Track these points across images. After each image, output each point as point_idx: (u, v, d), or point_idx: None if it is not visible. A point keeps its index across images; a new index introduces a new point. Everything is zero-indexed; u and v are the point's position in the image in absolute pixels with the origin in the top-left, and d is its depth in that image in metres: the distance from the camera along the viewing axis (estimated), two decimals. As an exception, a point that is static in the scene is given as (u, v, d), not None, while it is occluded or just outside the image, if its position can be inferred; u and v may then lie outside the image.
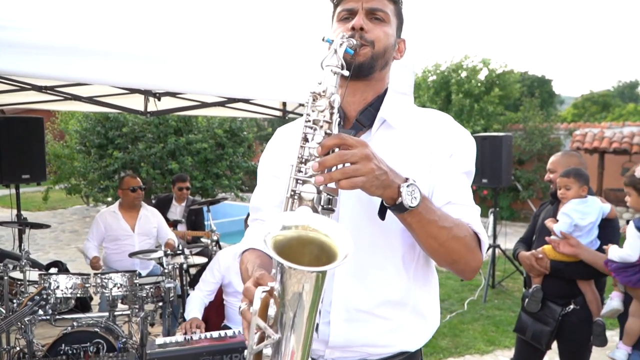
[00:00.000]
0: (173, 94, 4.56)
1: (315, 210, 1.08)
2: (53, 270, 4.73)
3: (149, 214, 4.84)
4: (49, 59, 2.63)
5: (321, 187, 1.08)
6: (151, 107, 5.12)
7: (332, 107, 1.12)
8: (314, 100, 1.14)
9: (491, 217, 6.87)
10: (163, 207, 5.79)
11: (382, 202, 1.18)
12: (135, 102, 5.07)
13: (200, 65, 3.02)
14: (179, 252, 3.89)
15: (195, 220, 5.86)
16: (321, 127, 1.12)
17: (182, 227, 5.73)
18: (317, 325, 1.25)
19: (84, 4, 2.90)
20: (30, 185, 5.49)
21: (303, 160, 1.11)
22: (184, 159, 9.83)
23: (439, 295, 4.78)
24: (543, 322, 2.89)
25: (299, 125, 1.32)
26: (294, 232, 1.05)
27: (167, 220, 5.62)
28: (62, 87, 4.31)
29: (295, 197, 1.10)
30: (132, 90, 4.56)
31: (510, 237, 8.66)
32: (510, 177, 6.66)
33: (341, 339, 1.32)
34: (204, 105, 5.07)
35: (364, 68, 1.31)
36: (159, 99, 3.87)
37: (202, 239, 5.62)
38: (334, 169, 1.07)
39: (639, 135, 10.41)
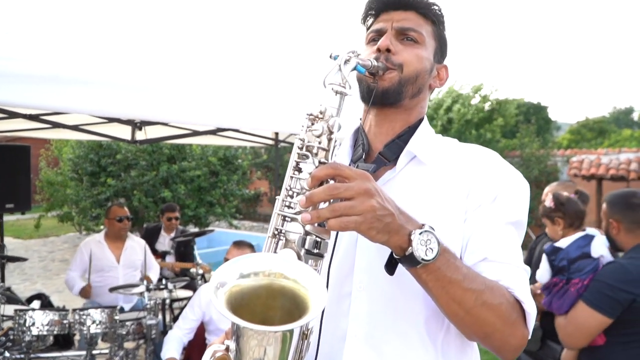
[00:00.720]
0: (163, 123, 4.47)
1: (299, 256, 0.91)
2: (35, 303, 4.57)
3: (135, 245, 4.68)
4: (30, 88, 2.54)
5: (308, 227, 0.90)
6: (140, 135, 5.03)
7: (330, 132, 0.95)
8: (311, 123, 0.96)
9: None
10: (151, 237, 5.64)
11: (391, 253, 0.97)
12: (123, 131, 4.97)
13: (188, 95, 2.94)
14: (162, 286, 3.73)
15: (184, 251, 5.70)
16: (315, 154, 0.94)
17: (170, 259, 5.58)
18: None
19: (66, 33, 2.82)
20: (16, 213, 5.35)
21: (292, 193, 0.94)
22: (177, 187, 9.71)
23: None
24: (543, 362, 2.74)
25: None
26: (260, 280, 0.87)
27: (155, 251, 5.47)
28: (48, 115, 4.21)
29: (280, 236, 0.93)
30: (120, 119, 4.47)
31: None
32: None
33: None
34: (195, 133, 4.97)
35: (389, 94, 1.14)
36: (140, 129, 3.76)
37: (192, 271, 5.46)
38: (325, 204, 0.89)
39: (636, 162, 10.36)
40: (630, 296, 2.16)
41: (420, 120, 1.23)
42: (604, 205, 2.40)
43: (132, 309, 4.30)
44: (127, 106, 2.84)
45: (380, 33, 1.18)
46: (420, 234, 0.92)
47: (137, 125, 3.66)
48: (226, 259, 3.20)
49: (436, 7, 1.21)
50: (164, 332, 3.87)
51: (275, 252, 0.93)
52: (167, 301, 3.78)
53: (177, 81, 2.95)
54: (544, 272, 2.61)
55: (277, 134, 5.61)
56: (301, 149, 0.95)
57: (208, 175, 10.37)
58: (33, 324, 3.45)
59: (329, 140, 0.95)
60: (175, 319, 4.19)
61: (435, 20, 1.22)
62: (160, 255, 5.47)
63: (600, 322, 2.21)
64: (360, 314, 1.09)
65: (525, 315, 1.04)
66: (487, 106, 14.29)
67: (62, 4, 3.16)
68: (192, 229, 8.56)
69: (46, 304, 4.78)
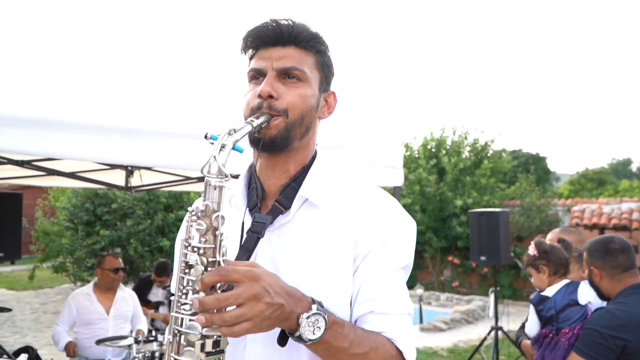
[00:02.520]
0: (157, 169, 4.42)
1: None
2: (23, 356, 4.36)
3: (126, 296, 4.52)
4: (17, 132, 2.48)
5: (203, 332, 0.91)
6: (135, 182, 4.96)
7: (215, 228, 0.94)
8: (195, 219, 0.95)
9: (492, 297, 6.55)
10: (145, 287, 5.49)
11: (281, 332, 1.02)
12: (118, 178, 4.92)
13: (179, 139, 2.88)
14: (152, 338, 3.56)
15: (178, 301, 5.53)
16: (202, 254, 0.93)
17: (164, 309, 5.40)
18: None
19: (56, 74, 2.79)
20: (5, 264, 5.19)
21: (185, 291, 0.94)
22: (174, 236, 9.60)
23: None
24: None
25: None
26: None
27: (148, 302, 5.30)
28: (41, 161, 4.16)
29: (181, 337, 0.92)
30: (113, 166, 4.41)
31: (513, 318, 8.25)
32: (509, 255, 6.41)
33: None
34: (189, 179, 4.91)
35: (277, 142, 1.12)
36: (132, 173, 3.70)
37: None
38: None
39: (638, 211, 10.33)
40: (621, 342, 2.09)
41: (314, 158, 1.22)
42: (585, 254, 2.35)
43: (121, 363, 4.11)
44: (121, 151, 2.77)
45: (260, 73, 1.14)
46: (307, 317, 0.96)
47: (128, 169, 3.59)
48: None
49: (318, 36, 1.17)
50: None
51: (179, 353, 0.93)
52: (157, 354, 3.59)
53: (170, 125, 2.90)
54: (532, 324, 2.55)
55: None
56: (187, 247, 0.94)
57: (205, 224, 10.30)
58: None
59: (214, 236, 0.94)
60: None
61: (318, 50, 1.18)
62: (153, 306, 5.30)
63: None
64: (255, 357, 1.11)
65: None
66: (474, 152, 14.42)
67: (57, 49, 3.16)
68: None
69: (34, 358, 4.57)
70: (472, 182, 13.31)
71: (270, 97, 1.10)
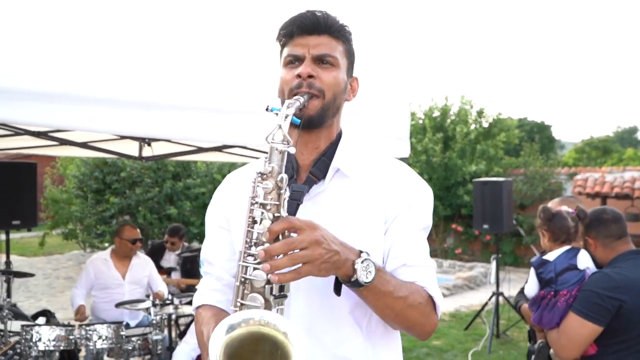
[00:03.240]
0: (171, 140, 4.52)
1: (267, 300, 1.04)
2: (41, 319, 4.57)
3: (141, 262, 4.70)
4: (40, 106, 2.59)
5: (270, 277, 1.03)
6: (147, 152, 5.07)
7: (279, 188, 1.07)
8: (261, 179, 1.08)
9: (493, 264, 6.71)
10: (157, 254, 5.65)
11: (336, 278, 1.15)
12: (130, 148, 5.02)
13: (195, 112, 2.98)
14: (168, 301, 3.74)
15: (190, 268, 5.70)
16: (269, 210, 1.07)
17: (176, 275, 5.59)
18: None
19: (76, 51, 2.87)
20: (22, 230, 5.34)
21: (252, 244, 1.07)
22: (183, 204, 9.76)
23: (441, 345, 4.52)
24: (551, 379, 2.72)
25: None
26: (245, 330, 1.00)
27: (160, 267, 5.47)
28: (56, 132, 4.26)
29: (246, 283, 1.06)
30: (124, 136, 4.52)
31: (514, 284, 8.43)
32: (511, 223, 6.54)
33: None
34: (201, 150, 5.02)
35: (314, 121, 1.26)
36: (149, 145, 3.81)
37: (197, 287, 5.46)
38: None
39: (640, 180, 10.36)
40: (617, 302, 2.22)
41: (340, 135, 1.36)
42: (581, 228, 2.47)
43: (138, 325, 4.31)
44: (136, 124, 2.88)
45: (297, 58, 1.27)
46: (361, 262, 1.11)
47: (145, 141, 3.70)
48: None
49: (346, 28, 1.31)
50: (170, 348, 3.86)
51: (243, 298, 1.05)
52: (173, 317, 3.78)
53: (184, 99, 3.00)
54: (532, 286, 2.67)
55: (284, 151, 5.66)
56: (254, 204, 1.08)
57: (213, 192, 10.43)
58: (39, 339, 3.46)
59: (279, 195, 1.07)
60: (181, 334, 4.18)
61: (345, 39, 1.32)
62: (165, 271, 5.48)
63: (591, 331, 2.25)
64: (299, 312, 1.25)
65: (435, 307, 1.27)
66: (484, 122, 14.35)
67: (74, 22, 3.22)
68: (197, 245, 8.58)
69: (51, 320, 4.78)
70: (482, 150, 13.35)
71: (310, 77, 1.24)
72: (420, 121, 14.88)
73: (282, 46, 1.32)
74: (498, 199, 6.30)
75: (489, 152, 13.24)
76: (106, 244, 10.97)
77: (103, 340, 3.51)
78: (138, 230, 4.79)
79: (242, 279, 1.06)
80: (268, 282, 1.04)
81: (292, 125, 1.18)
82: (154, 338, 3.59)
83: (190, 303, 4.48)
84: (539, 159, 13.05)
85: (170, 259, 5.68)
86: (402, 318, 1.20)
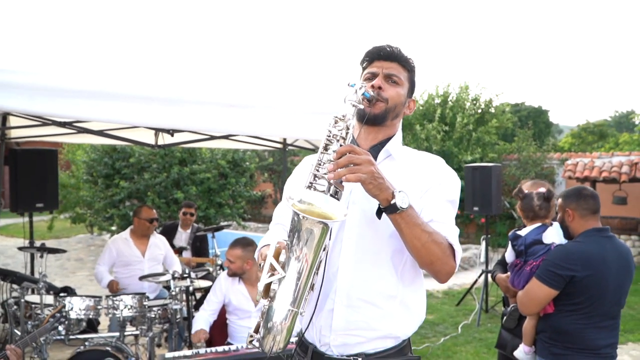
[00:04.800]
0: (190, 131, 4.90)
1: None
2: (63, 294, 5.00)
3: (158, 242, 5.12)
4: (77, 102, 2.98)
5: (331, 181, 1.40)
6: (161, 140, 5.47)
7: (347, 128, 1.48)
8: (335, 122, 1.49)
9: (483, 244, 7.13)
10: (169, 234, 6.06)
11: (378, 206, 1.49)
12: (146, 136, 5.41)
13: (208, 106, 3.38)
14: (185, 275, 4.16)
15: (199, 247, 6.13)
16: (337, 140, 1.46)
17: (187, 254, 5.99)
18: (324, 312, 1.62)
19: (112, 53, 3.26)
20: (35, 214, 5.70)
21: (322, 162, 1.45)
22: (189, 189, 10.15)
23: (434, 319, 5.04)
24: (520, 337, 3.15)
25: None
26: (307, 205, 1.40)
27: (173, 247, 5.90)
28: (79, 122, 4.65)
29: (312, 188, 1.43)
30: (153, 127, 4.89)
31: (504, 264, 8.87)
32: (500, 205, 6.95)
33: (342, 323, 1.62)
34: (211, 138, 5.41)
35: (377, 118, 1.67)
36: (172, 135, 4.22)
37: (206, 265, 5.89)
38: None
39: (627, 165, 10.73)
40: (570, 272, 2.60)
41: (396, 134, 1.78)
42: (560, 200, 2.86)
43: (156, 298, 4.74)
44: (162, 117, 3.29)
45: (374, 75, 1.71)
46: (399, 192, 1.45)
47: (169, 132, 4.10)
48: (228, 260, 3.63)
49: (411, 60, 1.76)
50: (186, 318, 4.28)
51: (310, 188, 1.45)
52: (191, 289, 4.20)
53: (203, 95, 3.40)
54: (509, 254, 3.09)
55: (285, 139, 6.06)
56: (329, 136, 1.48)
57: (217, 177, 10.82)
58: (72, 308, 3.89)
59: (347, 133, 1.48)
60: (196, 305, 4.62)
61: (410, 69, 1.76)
62: (177, 250, 5.89)
63: (547, 294, 2.65)
64: (349, 252, 1.64)
65: (455, 254, 1.59)
66: (477, 108, 14.60)
67: (99, 28, 3.60)
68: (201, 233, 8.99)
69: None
70: (477, 138, 13.68)
71: (380, 88, 1.66)
72: (421, 108, 15.15)
73: (365, 67, 1.74)
74: (487, 183, 6.71)
75: (484, 139, 13.57)
76: (113, 227, 11.39)
77: (128, 309, 3.94)
78: (154, 211, 5.20)
79: (310, 184, 1.43)
80: (329, 185, 1.40)
81: (359, 116, 1.61)
82: (173, 307, 4.02)
83: (203, 278, 4.93)
84: (532, 144, 13.42)
85: (181, 239, 6.10)
86: (426, 250, 1.51)
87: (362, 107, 1.53)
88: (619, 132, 38.86)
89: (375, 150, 1.71)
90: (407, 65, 1.74)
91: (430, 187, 1.66)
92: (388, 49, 1.71)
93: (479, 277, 7.17)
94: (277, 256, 1.41)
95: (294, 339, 1.59)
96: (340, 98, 1.53)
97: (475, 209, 6.90)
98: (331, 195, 1.41)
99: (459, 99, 14.56)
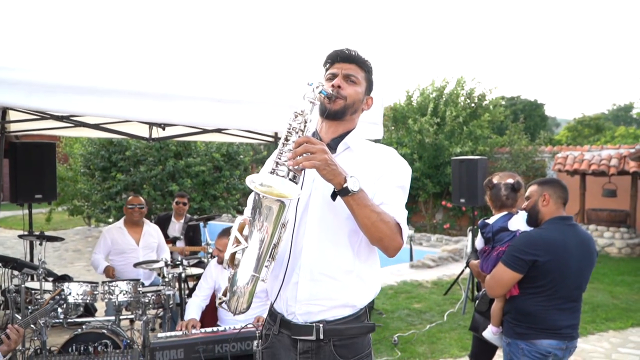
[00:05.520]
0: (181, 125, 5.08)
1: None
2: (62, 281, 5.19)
3: (151, 230, 5.31)
4: (72, 97, 3.16)
5: (290, 168, 1.60)
6: (155, 134, 5.64)
7: (305, 122, 1.69)
8: (295, 117, 1.69)
9: (470, 235, 7.34)
10: (163, 224, 6.24)
11: (334, 189, 1.68)
12: (141, 129, 5.58)
13: (200, 100, 3.56)
14: (178, 262, 4.35)
15: (192, 236, 6.32)
16: (297, 132, 1.66)
17: (180, 243, 6.19)
18: (290, 285, 1.83)
19: (106, 50, 3.43)
20: (34, 206, 5.85)
21: (283, 152, 1.65)
22: (184, 181, 10.35)
23: (421, 308, 5.27)
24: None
25: None
26: (267, 187, 1.60)
27: (167, 237, 6.09)
28: (77, 115, 4.82)
29: (274, 173, 1.64)
30: (146, 122, 5.07)
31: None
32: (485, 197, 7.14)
33: (306, 294, 1.83)
34: (204, 131, 5.59)
35: (337, 114, 1.87)
36: (164, 129, 4.39)
37: (200, 254, 6.09)
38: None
39: (616, 158, 10.93)
40: (532, 257, 2.78)
41: (354, 128, 1.97)
42: (535, 186, 3.01)
43: (150, 285, 4.93)
44: (152, 111, 3.47)
45: (334, 75, 1.91)
46: (351, 177, 1.64)
47: (161, 125, 4.28)
48: (217, 249, 3.82)
49: (368, 62, 1.96)
50: (179, 304, 4.48)
51: (273, 173, 1.65)
52: (183, 276, 4.40)
53: (190, 89, 3.57)
54: (479, 242, 3.30)
55: (276, 133, 6.23)
56: (289, 129, 1.69)
57: (212, 170, 11.02)
58: (70, 293, 4.08)
59: (305, 126, 1.69)
60: (190, 292, 4.82)
61: (367, 70, 1.96)
62: (171, 240, 6.09)
63: (512, 277, 2.83)
64: (312, 233, 1.84)
65: (401, 231, 1.79)
66: (470, 101, 14.76)
67: (96, 26, 3.77)
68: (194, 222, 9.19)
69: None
70: (468, 131, 13.86)
71: (339, 87, 1.86)
72: (415, 103, 15.32)
73: (327, 68, 1.94)
74: (473, 175, 6.90)
75: (475, 132, 13.75)
76: (110, 219, 11.58)
77: (124, 294, 4.14)
78: (141, 198, 5.39)
79: (272, 170, 1.65)
80: (288, 171, 1.61)
81: (321, 111, 1.84)
82: (167, 293, 4.22)
83: (195, 265, 5.13)
84: (524, 138, 13.61)
85: (175, 229, 6.29)
86: (375, 228, 1.71)
87: (318, 103, 1.73)
88: (616, 125, 39.07)
89: (336, 142, 1.91)
90: (364, 67, 1.93)
91: (382, 174, 1.86)
92: (347, 51, 1.91)
93: (466, 267, 7.38)
94: (241, 230, 1.64)
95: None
96: (301, 95, 1.73)
97: (462, 200, 7.10)
98: (290, 179, 1.61)
99: (453, 93, 14.72)
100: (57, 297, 3.28)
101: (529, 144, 13.57)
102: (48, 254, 11.15)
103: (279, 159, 1.65)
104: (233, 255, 1.62)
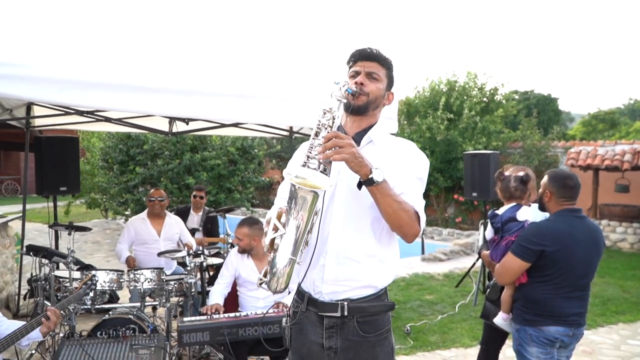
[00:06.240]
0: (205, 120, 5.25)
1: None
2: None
3: (172, 222, 5.51)
4: (101, 94, 3.34)
5: (321, 161, 1.74)
6: (175, 128, 5.83)
7: (333, 118, 1.82)
8: (323, 114, 1.83)
9: (481, 228, 7.44)
10: (181, 217, 6.40)
11: (359, 180, 1.83)
12: (161, 124, 5.77)
13: (221, 96, 3.73)
14: (199, 252, 4.52)
15: (210, 228, 6.51)
16: (326, 128, 1.80)
17: (199, 235, 6.37)
18: (317, 267, 1.98)
19: (132, 49, 3.60)
20: (42, 200, 6.04)
21: (313, 146, 1.78)
22: (200, 175, 10.55)
23: (433, 299, 5.45)
24: (501, 307, 3.48)
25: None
26: (302, 179, 1.74)
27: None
28: (103, 110, 5.01)
29: (305, 166, 1.78)
30: (172, 117, 5.26)
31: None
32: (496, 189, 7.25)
33: (332, 276, 1.99)
34: (221, 126, 5.76)
35: (360, 109, 2.01)
36: (188, 123, 4.56)
37: (218, 245, 6.27)
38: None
39: (630, 153, 10.91)
40: (539, 247, 2.91)
41: (376, 122, 2.11)
42: (545, 179, 3.12)
43: (172, 274, 5.12)
44: (175, 106, 3.64)
45: (357, 73, 2.04)
46: (375, 169, 1.78)
47: (184, 120, 4.45)
48: (237, 237, 3.99)
49: (389, 60, 2.10)
50: (200, 292, 4.65)
51: (304, 166, 1.77)
52: (204, 265, 4.57)
53: (211, 85, 3.74)
54: (488, 232, 3.44)
55: (291, 127, 6.39)
56: (319, 125, 1.82)
57: (227, 164, 11.21)
58: (97, 281, 4.28)
59: (332, 122, 1.83)
60: (210, 280, 5.00)
61: (388, 67, 2.09)
62: (190, 232, 6.27)
63: (520, 266, 2.97)
64: (338, 220, 1.99)
65: (420, 220, 1.93)
66: (482, 96, 14.75)
67: (118, 26, 3.95)
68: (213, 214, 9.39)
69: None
70: (482, 127, 13.90)
71: (362, 84, 1.99)
72: (427, 95, 15.33)
73: (350, 66, 2.08)
74: (485, 169, 7.01)
75: (488, 128, 13.79)
76: (127, 212, 11.84)
77: (148, 282, 4.32)
78: (162, 191, 5.59)
79: (304, 163, 1.78)
80: (319, 163, 1.75)
81: (346, 107, 1.95)
82: (189, 281, 4.40)
83: (215, 255, 5.31)
84: (536, 132, 13.63)
85: (193, 221, 6.47)
86: (397, 216, 1.85)
87: (345, 101, 1.86)
88: (632, 120, 38.66)
89: (359, 136, 2.04)
90: (385, 64, 2.07)
91: (402, 166, 1.99)
92: (369, 50, 2.05)
93: (477, 259, 7.49)
94: (279, 218, 1.80)
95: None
96: (328, 93, 1.87)
97: (474, 194, 7.21)
98: (321, 171, 1.74)
99: (466, 87, 14.74)
100: (89, 282, 3.46)
101: (541, 138, 13.58)
102: (68, 245, 11.42)
103: (310, 152, 1.78)
104: (272, 240, 1.79)
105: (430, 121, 14.01)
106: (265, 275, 1.83)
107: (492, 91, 14.93)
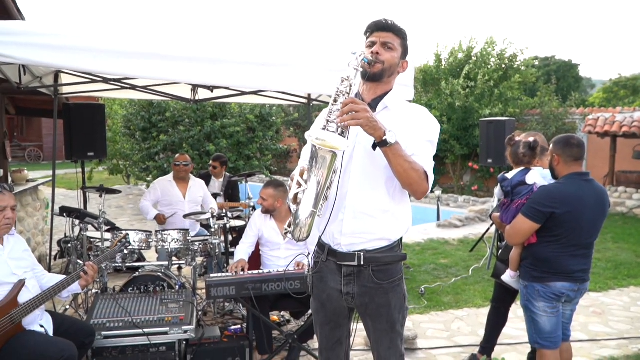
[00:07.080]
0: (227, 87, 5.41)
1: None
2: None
3: (196, 185, 5.75)
4: (131, 62, 3.51)
5: (339, 124, 1.89)
6: (197, 96, 6.00)
7: (350, 86, 1.97)
8: (341, 81, 1.97)
9: (495, 194, 7.56)
10: (204, 181, 6.65)
11: (374, 141, 1.97)
12: (183, 91, 5.94)
13: (243, 65, 3.87)
14: (222, 214, 4.75)
15: (232, 193, 6.74)
16: (343, 95, 1.95)
17: (220, 199, 6.59)
18: (336, 221, 2.16)
19: (160, 20, 3.74)
20: (72, 166, 6.28)
21: (332, 111, 1.93)
22: (219, 142, 10.76)
23: (447, 263, 5.69)
24: (512, 267, 3.64)
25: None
26: (322, 140, 1.91)
27: (207, 193, 6.49)
28: (127, 78, 5.18)
29: (325, 129, 1.93)
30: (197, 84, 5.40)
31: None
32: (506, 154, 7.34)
33: (350, 229, 2.18)
34: (242, 93, 5.90)
35: (376, 76, 2.15)
36: (212, 91, 4.73)
37: (239, 209, 6.50)
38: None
39: (648, 120, 10.83)
40: (550, 209, 3.05)
41: (391, 89, 2.26)
42: (551, 146, 3.25)
43: (196, 236, 5.37)
44: (199, 74, 3.80)
45: (373, 43, 2.18)
46: (389, 131, 1.94)
47: (209, 88, 4.61)
48: (262, 197, 4.17)
49: (403, 30, 2.23)
50: (224, 253, 4.89)
51: (324, 129, 1.94)
52: (227, 227, 4.80)
53: (234, 54, 3.87)
54: (498, 194, 3.59)
55: (309, 94, 6.51)
56: (337, 91, 1.97)
57: (246, 131, 11.40)
58: (128, 240, 4.53)
59: (350, 89, 1.98)
60: (233, 242, 5.23)
61: (402, 37, 2.22)
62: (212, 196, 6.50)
63: (531, 227, 3.11)
64: (355, 179, 2.16)
65: (428, 179, 2.10)
66: (501, 63, 14.61)
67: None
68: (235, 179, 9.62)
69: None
70: (499, 94, 13.83)
71: (378, 53, 2.13)
72: (445, 63, 15.23)
73: (367, 37, 2.21)
74: (501, 136, 7.06)
75: (506, 94, 13.72)
76: (149, 178, 12.15)
77: (175, 242, 4.57)
78: (187, 156, 5.82)
79: (324, 126, 1.93)
80: (337, 127, 1.90)
81: (362, 74, 2.11)
82: (213, 242, 4.64)
83: (237, 218, 5.54)
84: (555, 99, 13.53)
85: (215, 186, 6.69)
86: (408, 174, 2.00)
87: (361, 69, 2.01)
88: (654, 86, 37.69)
89: (375, 102, 2.19)
90: (399, 34, 2.20)
91: (414, 130, 2.15)
92: (384, 21, 2.19)
93: (492, 224, 7.63)
94: (301, 175, 2.01)
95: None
96: (346, 63, 2.02)
97: (489, 161, 7.31)
98: (339, 134, 1.91)
99: (483, 54, 14.62)
100: (124, 240, 3.71)
101: (559, 105, 13.49)
102: (94, 209, 11.83)
103: (329, 117, 1.94)
104: (296, 195, 1.99)
105: (454, 85, 13.97)
106: (289, 226, 2.03)
107: (511, 57, 14.77)
